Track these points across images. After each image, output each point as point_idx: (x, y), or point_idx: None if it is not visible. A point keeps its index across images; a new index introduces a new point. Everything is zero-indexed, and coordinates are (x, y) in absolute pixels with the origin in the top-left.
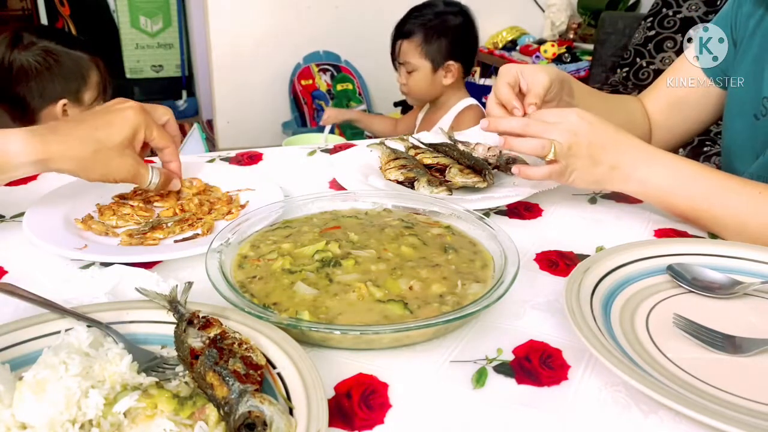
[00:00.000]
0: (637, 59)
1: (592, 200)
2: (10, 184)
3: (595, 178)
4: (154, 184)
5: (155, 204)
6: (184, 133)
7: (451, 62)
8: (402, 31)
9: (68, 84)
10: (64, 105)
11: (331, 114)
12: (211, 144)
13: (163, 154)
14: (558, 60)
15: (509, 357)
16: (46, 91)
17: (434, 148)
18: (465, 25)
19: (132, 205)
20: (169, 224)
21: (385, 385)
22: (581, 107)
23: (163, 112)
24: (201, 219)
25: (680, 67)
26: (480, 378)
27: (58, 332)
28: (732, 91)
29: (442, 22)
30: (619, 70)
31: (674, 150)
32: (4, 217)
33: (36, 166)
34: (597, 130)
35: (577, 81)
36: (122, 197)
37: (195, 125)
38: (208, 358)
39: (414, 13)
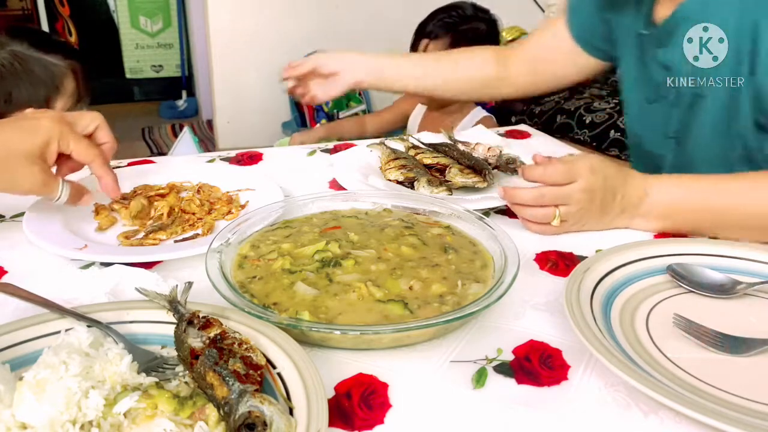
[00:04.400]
0: None
1: None
2: None
3: (604, 226)
4: (63, 198)
5: (155, 204)
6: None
7: None
8: (428, 32)
9: (36, 91)
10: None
11: (297, 139)
12: (211, 144)
13: (92, 168)
14: None
15: (509, 357)
16: (12, 96)
17: (434, 148)
18: (490, 35)
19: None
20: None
21: (385, 385)
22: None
23: (90, 120)
24: (201, 219)
25: (550, 25)
26: (480, 378)
27: (58, 332)
28: (623, 74)
29: (472, 29)
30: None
31: (532, 99)
32: (4, 217)
33: None
34: (608, 178)
35: (398, 60)
36: (123, 197)
37: (186, 128)
38: (208, 358)
39: (440, 14)
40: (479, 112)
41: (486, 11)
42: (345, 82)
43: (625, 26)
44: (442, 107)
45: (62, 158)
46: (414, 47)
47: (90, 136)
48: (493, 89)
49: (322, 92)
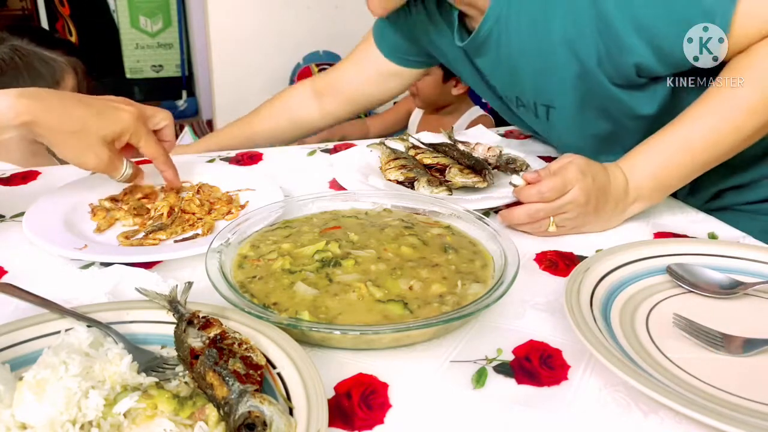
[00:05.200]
0: None
1: None
2: (10, 184)
3: (602, 227)
4: (126, 175)
5: (156, 204)
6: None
7: None
8: None
9: (36, 86)
10: None
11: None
12: None
13: (155, 163)
14: None
15: (509, 357)
16: None
17: (434, 148)
18: None
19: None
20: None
21: (385, 385)
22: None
23: (162, 118)
24: (201, 219)
25: (365, 56)
26: (480, 378)
27: (58, 332)
28: (462, 78)
29: None
30: None
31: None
32: (4, 217)
33: (20, 129)
34: (597, 177)
35: (219, 137)
36: (113, 199)
37: (186, 128)
38: (208, 358)
39: None
40: (476, 111)
41: None
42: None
43: (445, 41)
44: (439, 110)
45: (129, 147)
46: None
47: (157, 132)
48: (315, 126)
49: None
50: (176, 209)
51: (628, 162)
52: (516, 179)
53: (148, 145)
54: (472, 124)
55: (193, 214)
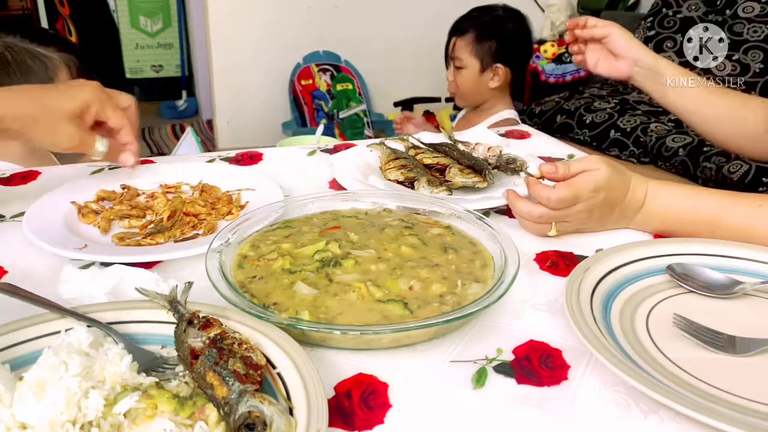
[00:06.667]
0: None
1: None
2: (10, 184)
3: (602, 230)
4: (101, 153)
5: (156, 207)
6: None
7: (498, 65)
8: (457, 29)
9: (28, 82)
10: None
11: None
12: (211, 144)
13: (119, 135)
14: (558, 60)
15: (509, 357)
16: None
17: (434, 148)
18: (520, 33)
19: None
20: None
21: (385, 385)
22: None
23: (125, 98)
24: (204, 220)
25: None
26: (480, 378)
27: (58, 332)
28: None
29: (498, 24)
30: None
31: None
32: (4, 217)
33: None
34: (610, 194)
35: (681, 75)
36: (102, 198)
37: (188, 128)
38: (208, 358)
39: (473, 12)
40: (506, 114)
41: (515, 12)
42: (622, 71)
43: None
44: (477, 107)
45: (96, 127)
46: (447, 45)
47: None
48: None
49: (594, 63)
50: (178, 212)
51: (658, 188)
52: (533, 168)
53: (115, 115)
54: (495, 126)
55: (195, 215)
